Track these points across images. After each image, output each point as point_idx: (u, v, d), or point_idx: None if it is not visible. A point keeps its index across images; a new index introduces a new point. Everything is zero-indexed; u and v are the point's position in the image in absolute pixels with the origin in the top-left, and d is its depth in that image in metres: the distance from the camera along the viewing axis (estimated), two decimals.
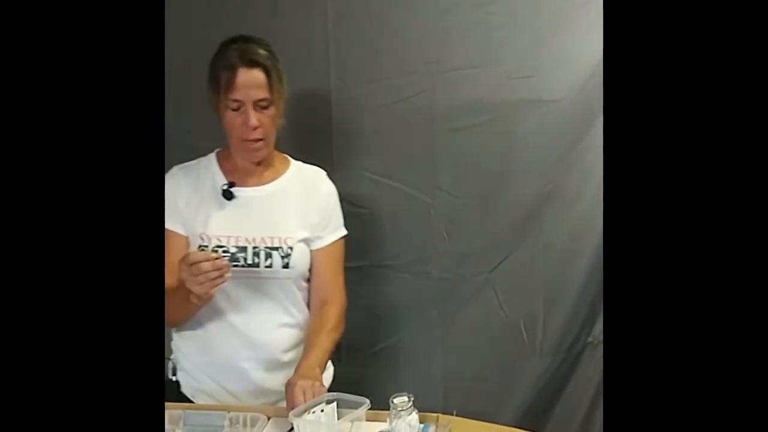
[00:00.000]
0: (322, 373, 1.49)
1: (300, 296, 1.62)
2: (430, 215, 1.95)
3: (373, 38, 1.92)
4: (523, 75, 1.83)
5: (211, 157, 1.63)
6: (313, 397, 1.36)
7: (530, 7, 1.81)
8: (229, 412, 1.42)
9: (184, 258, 1.38)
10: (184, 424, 1.41)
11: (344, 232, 1.65)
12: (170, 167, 1.95)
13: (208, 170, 1.61)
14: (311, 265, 1.61)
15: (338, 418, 1.36)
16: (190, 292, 1.40)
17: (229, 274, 1.39)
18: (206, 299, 1.44)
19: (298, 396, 1.37)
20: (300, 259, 1.57)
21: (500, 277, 1.95)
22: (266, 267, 1.54)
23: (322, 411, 1.34)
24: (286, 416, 1.34)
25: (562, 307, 1.92)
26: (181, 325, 1.60)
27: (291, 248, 1.55)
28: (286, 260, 1.54)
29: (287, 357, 1.60)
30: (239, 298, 1.55)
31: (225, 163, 1.62)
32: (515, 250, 1.93)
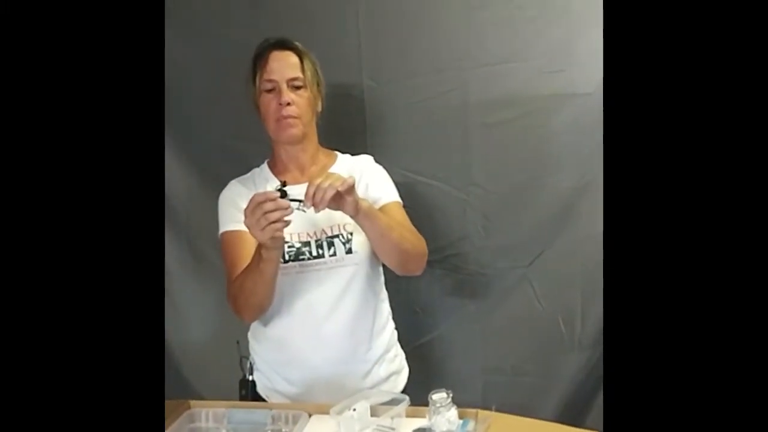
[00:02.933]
0: (360, 210, 1.42)
1: (373, 284, 1.64)
2: (466, 211, 1.96)
3: (404, 36, 1.93)
4: (556, 69, 1.82)
5: (263, 166, 1.71)
6: (328, 187, 1.33)
7: (560, 0, 1.80)
8: (272, 409, 1.45)
9: (249, 204, 1.36)
10: (228, 422, 1.44)
11: (398, 198, 1.66)
12: (209, 169, 2.00)
13: (261, 176, 1.68)
14: None
15: (378, 415, 1.38)
16: (260, 256, 1.43)
17: (290, 217, 1.36)
18: (273, 247, 1.42)
19: (309, 189, 1.35)
20: (362, 242, 1.58)
21: (537, 271, 1.95)
22: (331, 256, 1.57)
23: (354, 410, 1.36)
24: (328, 413, 1.37)
25: (600, 300, 1.90)
26: (262, 307, 1.58)
27: (351, 233, 1.58)
28: (348, 245, 1.57)
29: (362, 349, 1.62)
30: (311, 291, 1.58)
31: (275, 168, 1.69)
32: (552, 244, 1.92)
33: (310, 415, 1.44)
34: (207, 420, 1.46)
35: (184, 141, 2.08)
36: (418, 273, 1.65)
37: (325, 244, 1.58)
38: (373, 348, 1.64)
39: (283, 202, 1.35)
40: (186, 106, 2.06)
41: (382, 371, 1.65)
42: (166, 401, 1.46)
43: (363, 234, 1.57)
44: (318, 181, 1.35)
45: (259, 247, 1.43)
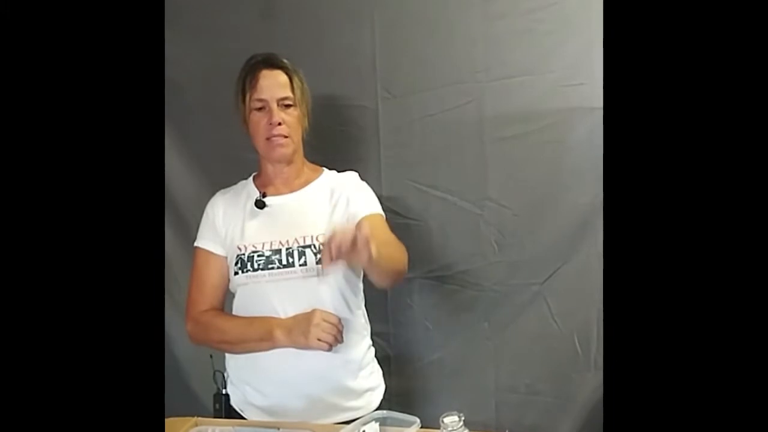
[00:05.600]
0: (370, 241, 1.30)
1: (347, 297, 1.61)
2: (480, 226, 1.92)
3: (420, 48, 1.91)
4: (574, 82, 1.79)
5: (249, 179, 1.71)
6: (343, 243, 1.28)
7: (579, 13, 1.77)
8: (279, 428, 1.42)
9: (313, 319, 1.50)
10: None
11: (380, 211, 1.63)
12: (217, 179, 1.99)
13: (245, 188, 1.69)
14: None
15: None
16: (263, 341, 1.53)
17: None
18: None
19: (325, 253, 1.31)
20: None
21: (552, 288, 1.91)
22: (301, 265, 1.55)
23: (363, 430, 1.33)
24: None
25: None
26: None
27: (323, 245, 1.53)
28: (319, 256, 1.53)
29: (335, 363, 1.58)
30: (280, 301, 1.56)
31: (259, 180, 1.69)
32: (567, 260, 1.88)
33: None
34: None
35: (194, 149, 2.07)
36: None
37: (296, 253, 1.56)
38: (347, 362, 1.60)
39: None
40: (197, 116, 2.04)
41: (356, 386, 1.61)
42: (172, 418, 1.44)
43: None
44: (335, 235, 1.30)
45: (272, 335, 1.52)
